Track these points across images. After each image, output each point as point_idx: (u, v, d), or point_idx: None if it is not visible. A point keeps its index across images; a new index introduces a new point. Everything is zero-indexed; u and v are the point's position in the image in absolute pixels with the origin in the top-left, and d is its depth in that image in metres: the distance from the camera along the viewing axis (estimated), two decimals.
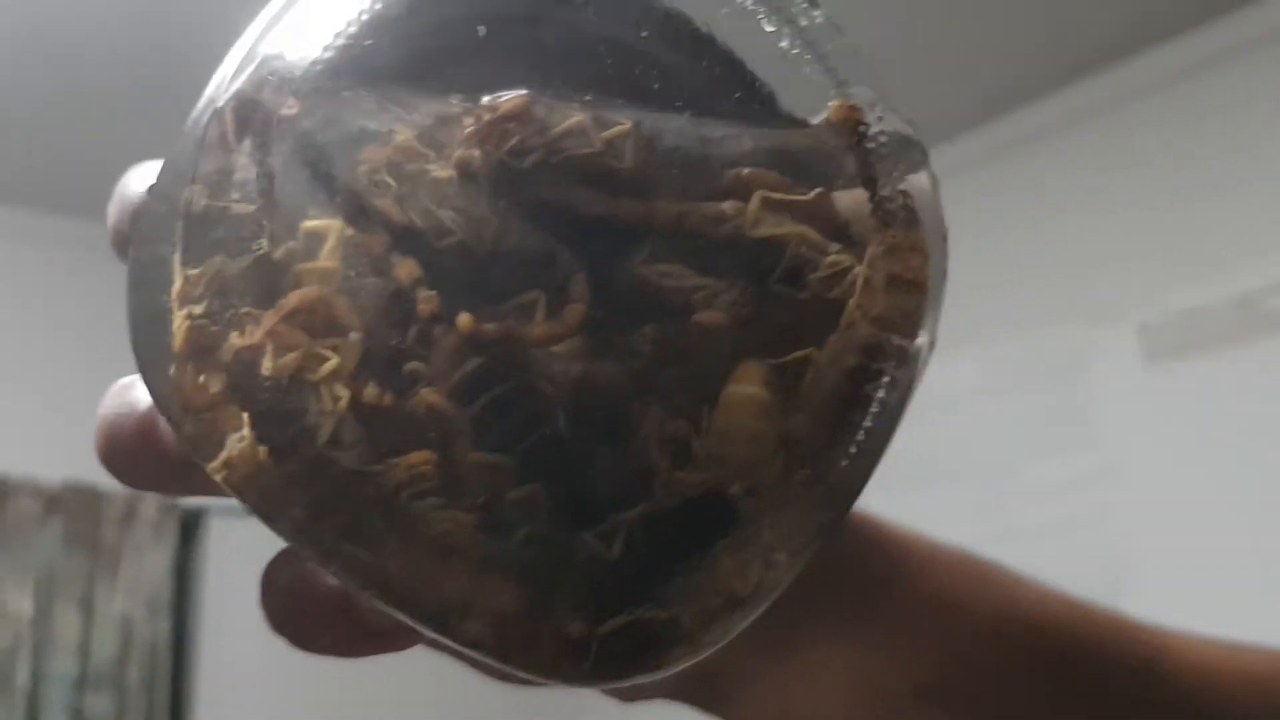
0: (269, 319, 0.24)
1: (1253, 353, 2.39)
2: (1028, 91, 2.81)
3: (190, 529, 3.39)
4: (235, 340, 0.24)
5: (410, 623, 0.24)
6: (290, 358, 0.23)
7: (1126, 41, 2.64)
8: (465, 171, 0.24)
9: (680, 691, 0.40)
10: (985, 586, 0.42)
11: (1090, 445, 2.62)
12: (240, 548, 3.35)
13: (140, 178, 0.28)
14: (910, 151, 0.26)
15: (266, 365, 0.23)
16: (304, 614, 0.28)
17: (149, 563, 3.20)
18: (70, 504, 3.16)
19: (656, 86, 0.25)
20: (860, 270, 0.25)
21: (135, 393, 0.27)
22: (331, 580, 0.27)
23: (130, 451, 0.27)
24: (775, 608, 0.27)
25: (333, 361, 0.24)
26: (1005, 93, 2.80)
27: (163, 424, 0.26)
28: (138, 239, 0.25)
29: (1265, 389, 2.35)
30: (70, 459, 3.20)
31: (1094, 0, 2.51)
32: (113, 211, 0.28)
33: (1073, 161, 2.77)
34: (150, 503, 3.21)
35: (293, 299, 0.24)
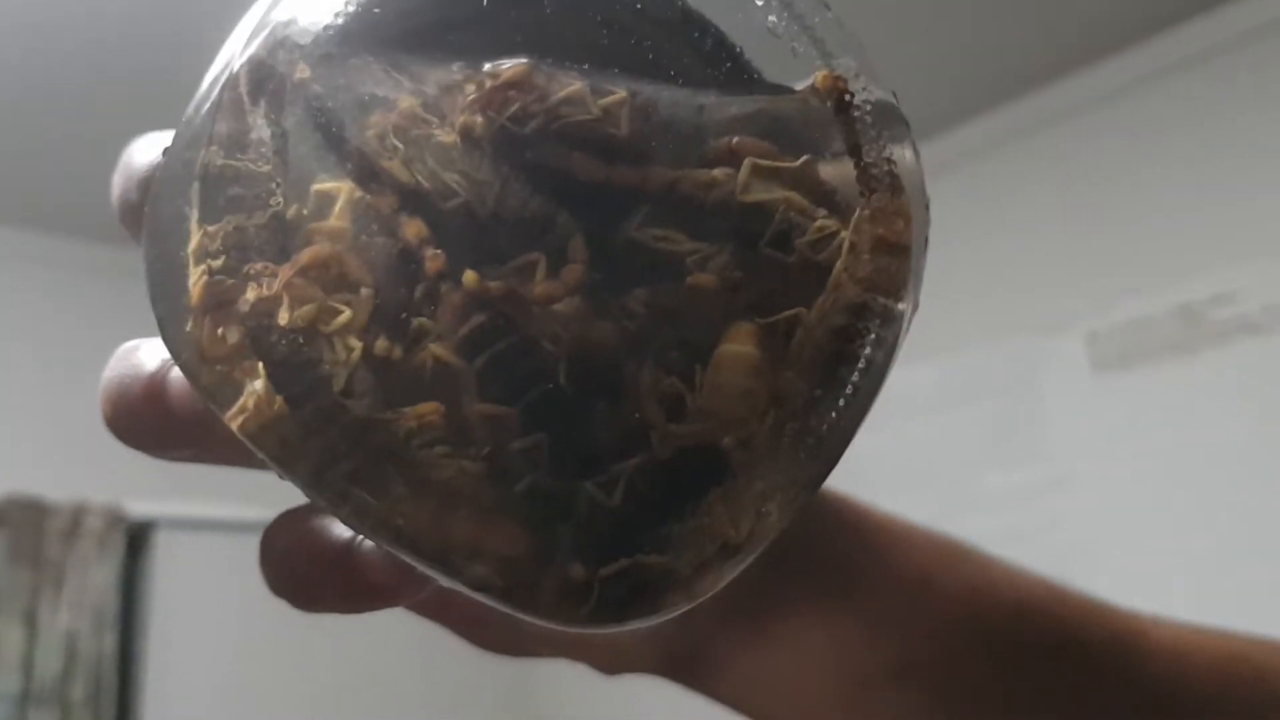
0: (285, 273, 0.25)
1: (1197, 362, 2.43)
2: (973, 106, 2.85)
3: (137, 542, 3.36)
4: (252, 294, 0.25)
5: (418, 565, 0.25)
6: (306, 310, 0.24)
7: (1072, 56, 2.68)
8: (469, 136, 0.25)
9: (665, 667, 0.41)
10: (961, 567, 0.43)
11: (1040, 454, 2.65)
12: (188, 561, 3.34)
13: (145, 148, 0.29)
14: (893, 120, 0.27)
15: (283, 317, 0.24)
16: (304, 573, 0.29)
17: (94, 577, 3.17)
18: (13, 517, 3.12)
19: (651, 57, 0.27)
20: (846, 234, 0.26)
21: (139, 355, 0.28)
22: (336, 536, 0.28)
23: (138, 412, 0.28)
24: (756, 582, 0.28)
25: (345, 315, 0.25)
26: (951, 107, 2.83)
27: (170, 385, 0.27)
28: (153, 198, 0.26)
29: (1209, 398, 2.40)
30: (13, 472, 3.17)
31: (1038, 16, 2.55)
32: (119, 182, 0.29)
33: (1021, 174, 2.81)
34: (96, 516, 3.18)
35: (307, 255, 0.25)
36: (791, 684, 0.41)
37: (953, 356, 2.80)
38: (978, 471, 2.67)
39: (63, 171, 3.01)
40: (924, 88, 2.73)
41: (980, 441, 2.75)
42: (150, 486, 3.34)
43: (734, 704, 0.42)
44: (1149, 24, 2.59)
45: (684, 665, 0.41)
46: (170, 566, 3.37)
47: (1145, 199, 2.59)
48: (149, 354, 0.28)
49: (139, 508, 3.31)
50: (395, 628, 3.57)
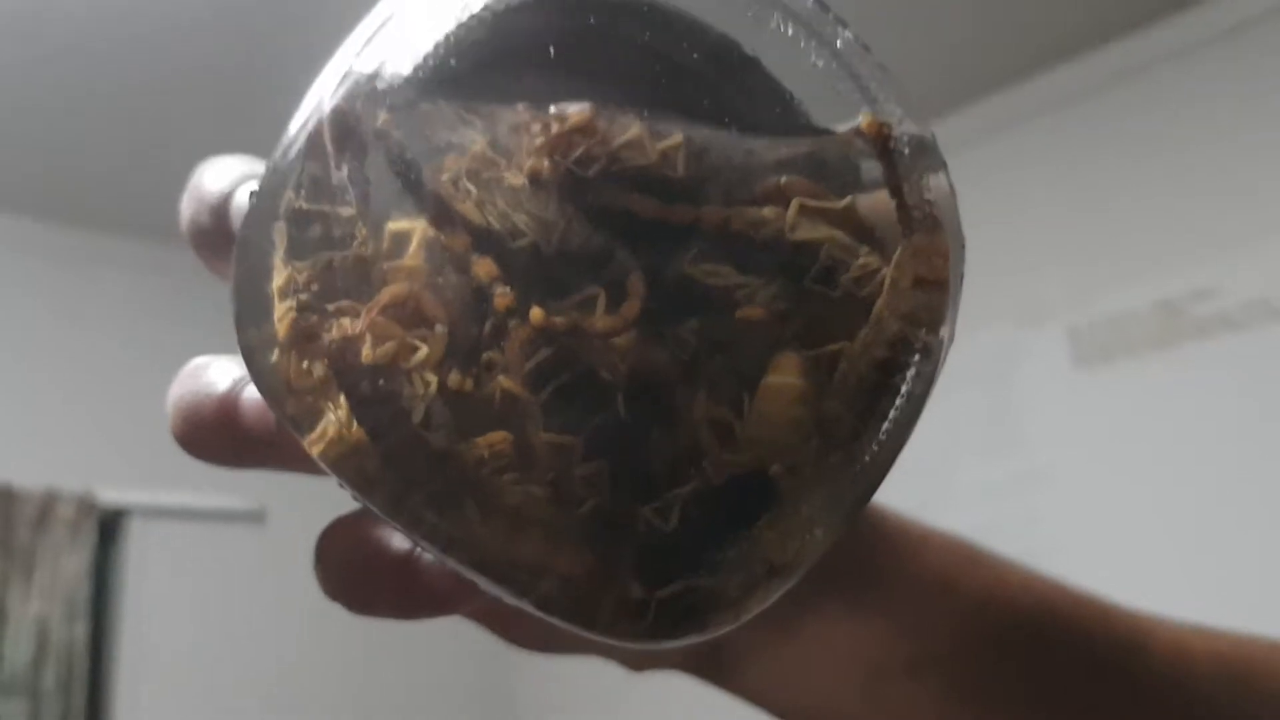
0: (369, 312, 0.26)
1: (1177, 357, 2.45)
2: (953, 99, 2.86)
3: (109, 530, 3.35)
4: (336, 331, 0.26)
5: (486, 584, 0.27)
6: (388, 347, 0.26)
7: (1052, 50, 2.70)
8: (536, 179, 0.27)
9: (689, 663, 0.42)
10: (975, 569, 0.44)
11: (1019, 448, 2.67)
12: (161, 549, 3.33)
13: (216, 176, 0.31)
14: (929, 156, 0.29)
15: (366, 353, 0.26)
16: (362, 579, 0.30)
17: (65, 565, 3.15)
18: None
19: (706, 103, 0.28)
20: (888, 271, 0.28)
21: (211, 374, 0.30)
22: (395, 545, 0.29)
23: (212, 429, 0.30)
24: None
25: (423, 351, 0.26)
26: (931, 100, 2.84)
27: (244, 403, 0.29)
28: (242, 238, 0.27)
29: (1189, 393, 2.42)
30: None
31: (1020, 8, 2.56)
32: (190, 206, 0.31)
33: (1002, 168, 2.82)
34: (67, 503, 3.17)
35: (387, 294, 0.26)
36: (809, 678, 0.43)
37: None
38: (957, 465, 2.69)
39: (32, 154, 2.99)
40: (903, 81, 2.74)
41: (960, 434, 2.77)
42: (123, 474, 3.33)
43: (754, 698, 0.44)
44: (1130, 19, 2.61)
45: (708, 661, 0.43)
46: (143, 554, 3.36)
47: (1126, 193, 2.61)
48: (220, 373, 0.30)
49: (111, 495, 3.30)
50: (372, 621, 3.56)
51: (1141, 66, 2.63)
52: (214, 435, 0.30)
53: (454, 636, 3.63)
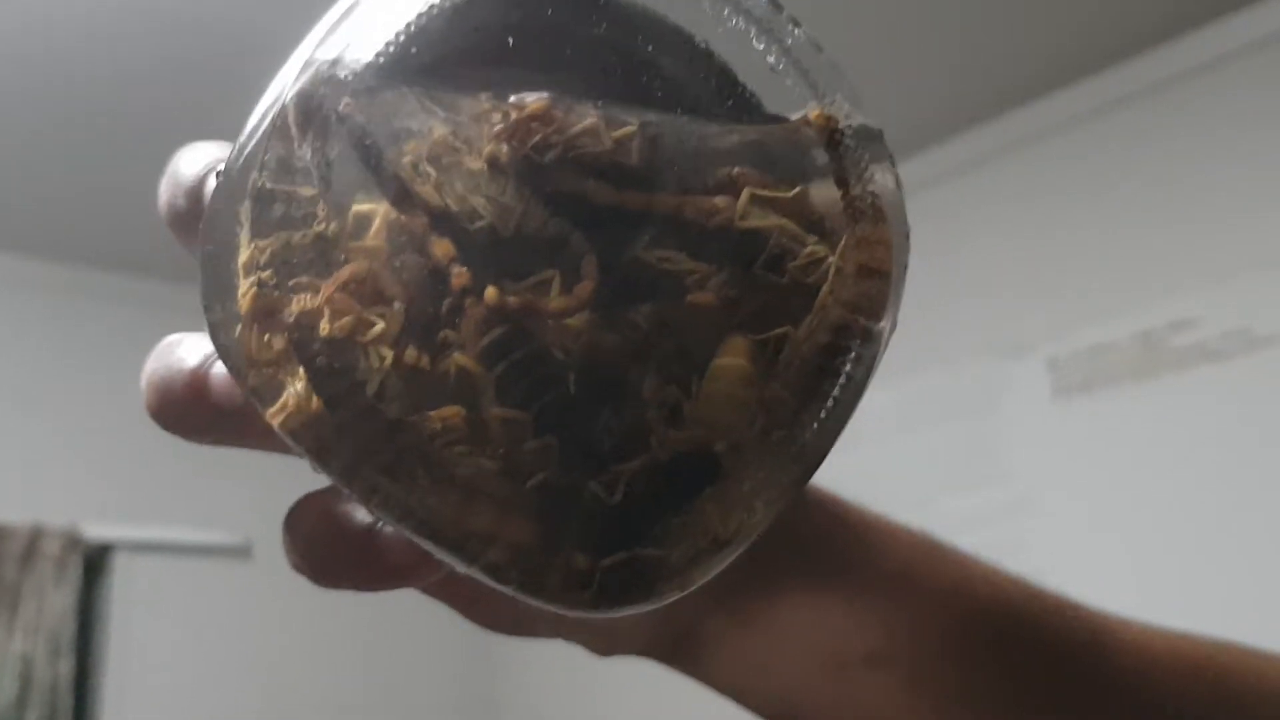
0: (327, 287, 0.27)
1: (1157, 388, 2.47)
2: (933, 132, 2.88)
3: (95, 566, 3.33)
4: (296, 305, 0.27)
5: (438, 552, 0.28)
6: (345, 321, 0.27)
7: (1031, 83, 2.72)
8: (495, 164, 0.28)
9: (655, 649, 0.43)
10: (941, 563, 0.45)
11: (1001, 478, 2.68)
12: (147, 585, 3.32)
13: (191, 160, 0.32)
14: (875, 146, 0.30)
15: (324, 328, 0.27)
16: (327, 553, 0.31)
17: (50, 601, 3.14)
18: None
19: (660, 93, 0.29)
20: (833, 260, 0.29)
21: (180, 350, 0.31)
22: (358, 519, 0.30)
23: (182, 402, 0.31)
24: (745, 570, 0.31)
25: (379, 326, 0.27)
26: (910, 133, 2.86)
27: (213, 378, 0.30)
28: (208, 216, 0.28)
29: (1169, 424, 2.43)
30: None
31: (997, 44, 2.59)
32: (167, 190, 0.32)
33: (982, 199, 2.84)
34: (53, 539, 3.16)
35: (346, 271, 0.27)
36: (773, 667, 0.44)
37: (914, 380, 2.83)
38: (938, 495, 2.70)
39: (14, 188, 3.00)
40: (882, 114, 2.77)
41: (941, 465, 2.79)
42: (108, 509, 3.32)
43: (718, 684, 0.45)
44: (1108, 52, 2.63)
45: (674, 647, 0.44)
46: (128, 590, 3.35)
47: (1106, 225, 2.63)
48: (190, 349, 0.31)
49: (97, 530, 3.29)
50: (355, 653, 3.52)
51: (1120, 100, 2.66)
52: (185, 409, 0.31)
53: (442, 672, 3.63)
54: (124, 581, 3.36)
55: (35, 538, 3.16)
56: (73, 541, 3.21)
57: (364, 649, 3.54)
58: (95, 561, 3.34)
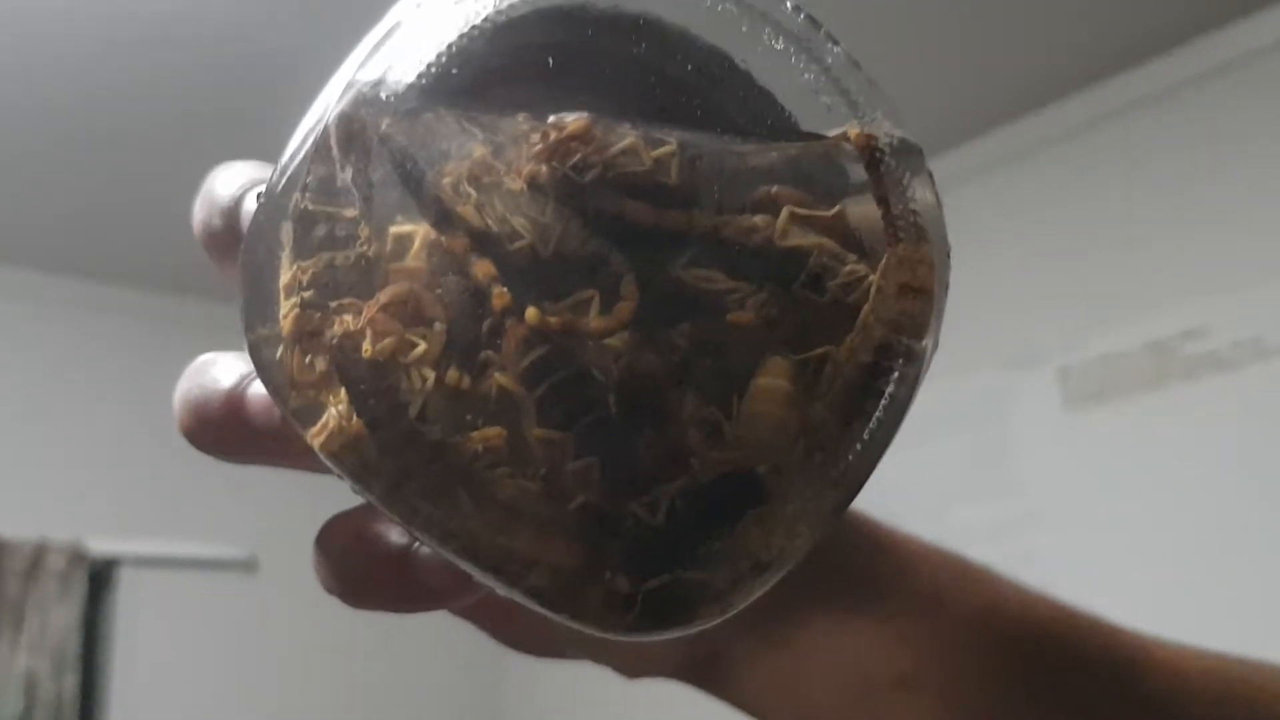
0: (369, 309, 0.27)
1: (1168, 398, 2.46)
2: (941, 140, 2.88)
3: (100, 581, 3.33)
4: (339, 327, 0.27)
5: (479, 574, 0.28)
6: (387, 343, 0.27)
7: (1040, 90, 2.72)
8: (534, 184, 0.28)
9: (684, 671, 0.43)
10: (972, 585, 0.45)
11: (1011, 489, 2.68)
12: (152, 599, 3.32)
13: (227, 180, 0.32)
14: (915, 163, 0.30)
15: (366, 349, 0.27)
16: (360, 573, 0.31)
17: (55, 616, 3.14)
18: None
19: (699, 113, 0.29)
20: (874, 278, 0.29)
21: (216, 370, 0.31)
22: (392, 540, 0.30)
23: (218, 424, 0.30)
24: (774, 591, 0.30)
25: (421, 348, 0.27)
26: (922, 141, 2.86)
27: (249, 400, 0.30)
28: (250, 236, 0.28)
29: (1180, 434, 2.43)
30: None
31: (1006, 52, 2.59)
32: (202, 210, 0.32)
33: (991, 208, 2.84)
34: (58, 554, 3.16)
35: (388, 293, 0.27)
36: (802, 689, 0.44)
37: (924, 390, 2.82)
38: (949, 506, 2.70)
39: (22, 202, 3.01)
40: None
41: (951, 476, 2.78)
42: (113, 523, 3.32)
43: (747, 706, 0.44)
44: (1114, 60, 2.63)
45: (702, 668, 0.44)
46: (133, 605, 3.35)
47: (1116, 234, 2.63)
48: (226, 369, 0.31)
49: (101, 545, 3.29)
50: (360, 667, 3.52)
51: (1130, 106, 2.65)
52: (221, 430, 0.31)
53: (448, 687, 3.62)
54: (129, 596, 3.35)
55: (40, 553, 3.16)
56: (77, 556, 3.21)
57: (369, 664, 3.54)
58: (100, 576, 3.34)
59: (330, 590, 0.32)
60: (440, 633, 3.42)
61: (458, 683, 3.65)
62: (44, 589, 3.14)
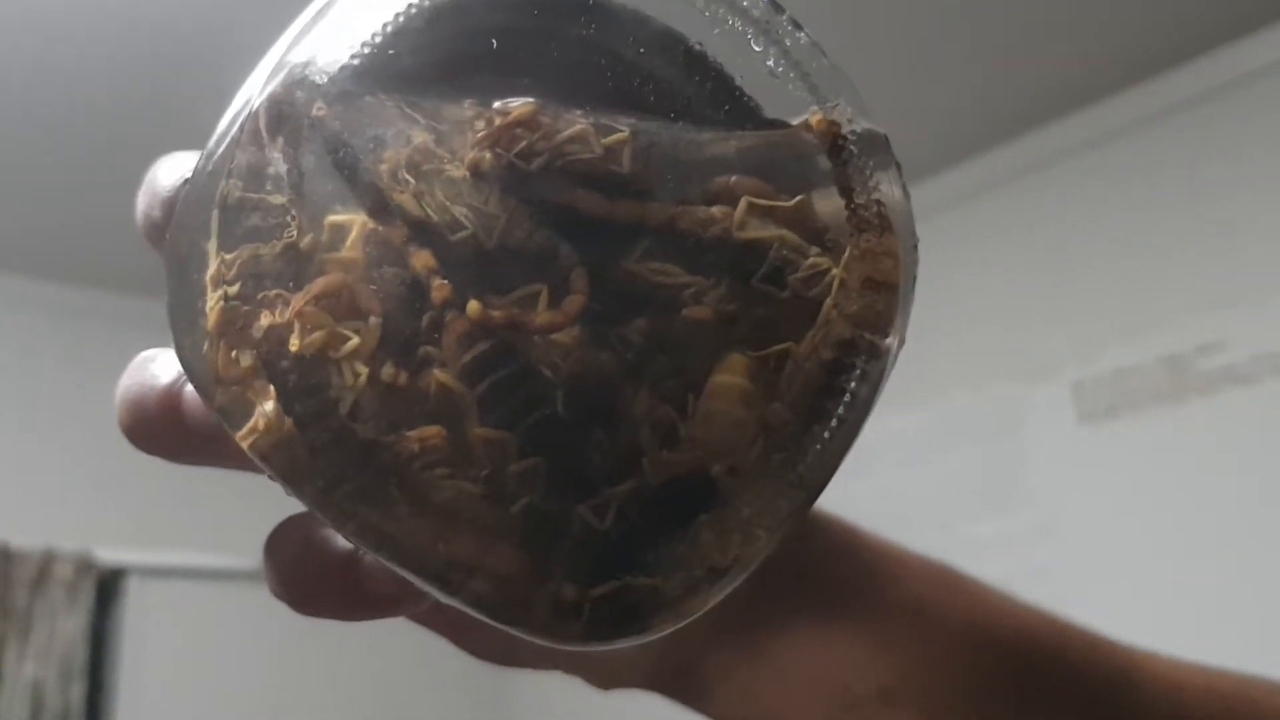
0: (297, 301, 0.26)
1: (1183, 412, 2.45)
2: (957, 152, 2.87)
3: (108, 590, 3.33)
4: (265, 320, 0.26)
5: (417, 581, 0.26)
6: (316, 336, 0.26)
7: (1055, 102, 2.71)
8: (477, 171, 0.27)
9: (657, 682, 0.42)
10: (958, 595, 0.43)
11: (1025, 503, 2.66)
12: (159, 609, 3.31)
13: (169, 170, 0.30)
14: (881, 154, 0.28)
15: (294, 343, 0.26)
16: (307, 580, 0.30)
17: (62, 626, 3.13)
18: None
19: (652, 98, 0.28)
20: (837, 272, 0.28)
21: (154, 367, 0.30)
22: (340, 546, 0.29)
23: (155, 421, 0.29)
24: (751, 601, 0.29)
25: (354, 341, 0.26)
26: (934, 154, 2.85)
27: (186, 397, 0.29)
28: (175, 226, 0.27)
29: (1195, 448, 2.41)
30: None
31: (1021, 63, 2.58)
32: (143, 200, 0.31)
33: (1006, 221, 2.83)
34: (65, 563, 3.15)
35: (319, 284, 0.26)
36: (781, 702, 0.42)
37: (937, 405, 2.81)
38: (962, 521, 2.69)
39: (29, 211, 3.01)
40: (906, 135, 2.76)
41: (965, 491, 2.77)
42: (121, 533, 3.32)
43: (723, 719, 0.43)
44: (1130, 72, 2.62)
45: (677, 680, 0.42)
46: (141, 614, 3.34)
47: (1131, 247, 2.61)
48: (163, 366, 0.30)
49: (109, 555, 3.28)
50: (369, 677, 3.52)
51: (1146, 119, 2.64)
52: (157, 429, 0.29)
53: (455, 697, 3.61)
54: (136, 606, 3.35)
55: (47, 562, 3.16)
56: (85, 566, 3.21)
57: (377, 674, 3.53)
58: (108, 586, 3.34)
59: (278, 596, 0.31)
60: (446, 646, 3.40)
61: (463, 697, 3.64)
62: (51, 598, 3.14)
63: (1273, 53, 2.47)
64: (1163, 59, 2.58)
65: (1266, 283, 2.40)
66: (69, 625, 3.14)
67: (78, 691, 3.13)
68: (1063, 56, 2.57)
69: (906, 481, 2.77)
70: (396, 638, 3.55)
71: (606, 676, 0.42)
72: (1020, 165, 2.85)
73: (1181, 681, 0.45)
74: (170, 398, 0.29)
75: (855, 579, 0.42)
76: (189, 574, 3.38)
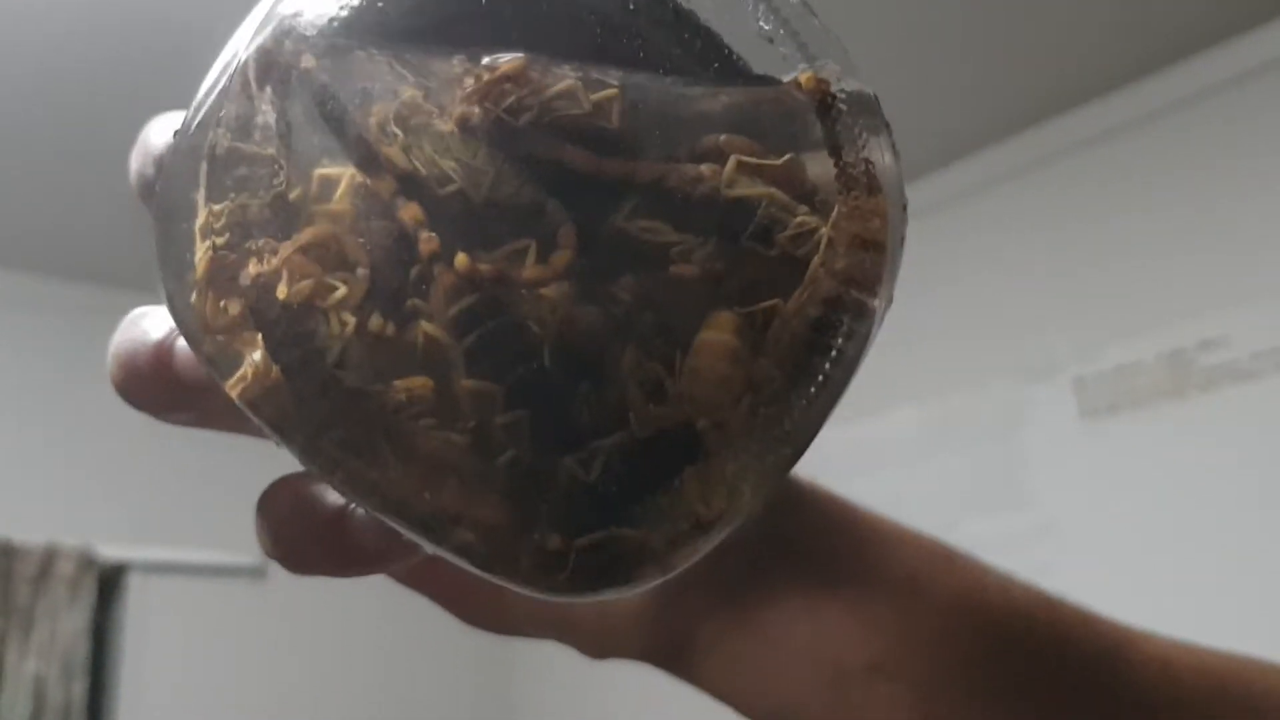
0: (285, 249, 0.26)
1: (1185, 409, 2.45)
2: (959, 149, 2.87)
3: (109, 586, 3.33)
4: (254, 268, 0.26)
5: (404, 531, 0.27)
6: (303, 285, 0.26)
7: (1057, 100, 2.71)
8: (465, 126, 0.27)
9: (649, 653, 0.42)
10: (950, 570, 0.43)
11: (1026, 501, 2.66)
12: (161, 605, 3.32)
13: (161, 128, 0.30)
14: (871, 114, 0.28)
15: (281, 291, 0.26)
16: (297, 537, 0.30)
17: (64, 622, 3.13)
18: None
19: (642, 55, 0.28)
20: (825, 230, 0.28)
21: (146, 323, 0.30)
22: (330, 502, 0.29)
23: (146, 377, 0.29)
24: (744, 572, 0.29)
25: (341, 291, 0.26)
26: (936, 151, 2.85)
27: (177, 352, 0.29)
28: (164, 177, 0.27)
29: (1198, 445, 2.41)
30: None
31: (1021, 61, 2.58)
32: (136, 159, 0.31)
33: (1008, 217, 2.83)
34: (67, 559, 3.15)
35: (307, 234, 0.26)
36: (772, 673, 0.42)
37: (938, 401, 2.81)
38: (963, 518, 2.68)
39: (26, 209, 3.01)
40: (907, 132, 2.76)
41: (966, 487, 2.77)
42: (123, 529, 3.32)
43: (715, 691, 0.43)
44: (1133, 68, 2.62)
45: (669, 651, 0.42)
46: (142, 611, 3.35)
47: (1133, 244, 2.61)
48: (155, 322, 0.30)
49: (111, 551, 3.28)
50: (370, 674, 3.51)
51: (1148, 116, 2.64)
52: (149, 384, 0.30)
53: (458, 694, 3.61)
54: (138, 602, 3.35)
55: (49, 558, 3.16)
56: (87, 562, 3.21)
57: (379, 670, 3.53)
58: (109, 582, 3.34)
59: (269, 554, 0.31)
60: (450, 640, 3.41)
61: (467, 692, 3.64)
62: (53, 594, 3.14)
63: (1275, 49, 2.47)
64: (1164, 56, 2.58)
65: (1268, 279, 2.40)
66: (71, 622, 3.15)
67: (79, 688, 3.13)
68: (1062, 53, 2.58)
69: (907, 479, 2.78)
70: (400, 634, 3.55)
71: (599, 646, 0.43)
72: (1021, 162, 2.85)
73: (1173, 660, 0.45)
74: (162, 352, 0.29)
75: (848, 552, 0.42)
76: (190, 570, 3.39)
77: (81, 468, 3.32)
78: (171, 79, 2.44)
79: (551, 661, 3.18)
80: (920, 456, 2.83)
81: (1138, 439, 2.53)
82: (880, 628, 0.42)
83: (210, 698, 3.33)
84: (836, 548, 0.42)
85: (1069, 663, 0.44)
